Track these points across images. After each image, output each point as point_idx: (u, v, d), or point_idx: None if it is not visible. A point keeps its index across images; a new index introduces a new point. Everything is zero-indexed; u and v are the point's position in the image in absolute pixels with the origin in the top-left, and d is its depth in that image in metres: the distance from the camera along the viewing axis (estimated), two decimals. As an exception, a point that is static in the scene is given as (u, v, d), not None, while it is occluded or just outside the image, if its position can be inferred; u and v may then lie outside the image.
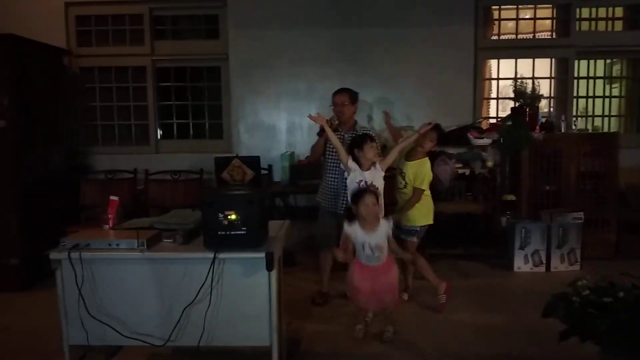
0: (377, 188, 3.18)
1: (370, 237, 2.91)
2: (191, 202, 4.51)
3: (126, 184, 4.95)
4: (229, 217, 2.20)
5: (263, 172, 4.80)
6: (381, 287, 2.96)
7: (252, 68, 5.07)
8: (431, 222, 3.61)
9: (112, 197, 2.62)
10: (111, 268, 2.31)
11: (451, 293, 3.54)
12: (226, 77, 5.18)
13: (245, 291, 2.31)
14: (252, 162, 2.68)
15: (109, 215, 2.57)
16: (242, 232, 2.22)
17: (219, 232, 2.21)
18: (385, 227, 2.94)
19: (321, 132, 3.54)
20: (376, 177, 3.24)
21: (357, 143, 3.29)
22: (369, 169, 3.24)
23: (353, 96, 3.64)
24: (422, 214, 3.57)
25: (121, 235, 2.38)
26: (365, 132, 3.64)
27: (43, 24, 4.93)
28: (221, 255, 2.23)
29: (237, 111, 5.14)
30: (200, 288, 2.24)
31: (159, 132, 5.36)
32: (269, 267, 2.23)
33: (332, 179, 3.59)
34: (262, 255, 2.22)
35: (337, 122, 3.60)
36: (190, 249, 2.33)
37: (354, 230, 2.94)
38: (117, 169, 5.06)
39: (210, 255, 2.21)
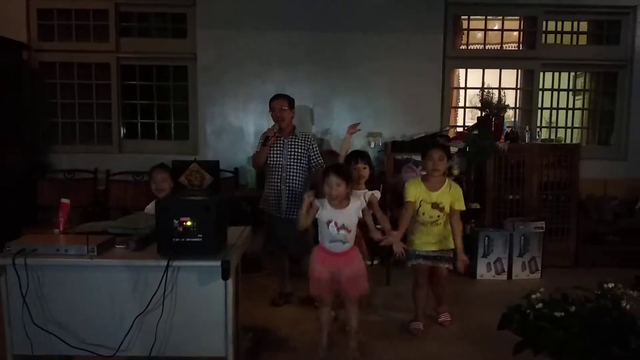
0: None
1: (338, 215, 2.71)
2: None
3: (86, 184, 4.81)
4: (184, 223, 2.14)
5: (228, 175, 4.74)
6: (343, 278, 2.72)
7: (221, 69, 4.99)
8: None
9: (64, 200, 2.51)
10: (59, 275, 2.21)
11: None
12: (193, 77, 5.09)
13: (201, 300, 2.24)
14: (211, 166, 2.62)
15: (60, 219, 2.46)
16: (198, 239, 2.15)
17: (174, 239, 2.14)
18: (356, 205, 2.75)
19: (265, 142, 3.59)
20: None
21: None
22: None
23: (291, 102, 3.71)
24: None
25: (70, 240, 2.28)
26: (306, 137, 3.72)
27: (2, 17, 4.74)
28: (175, 263, 2.15)
29: (204, 112, 5.05)
30: (153, 297, 2.16)
31: (122, 132, 5.22)
32: (225, 276, 2.17)
33: (274, 185, 3.62)
34: (218, 263, 2.15)
35: (277, 128, 3.62)
36: (143, 255, 2.25)
37: (321, 205, 2.73)
38: (78, 169, 4.90)
39: (164, 262, 2.14)
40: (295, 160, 3.62)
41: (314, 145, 3.71)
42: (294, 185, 3.59)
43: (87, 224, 2.68)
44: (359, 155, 3.36)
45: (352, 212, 2.75)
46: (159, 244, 2.18)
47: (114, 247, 2.31)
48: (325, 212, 2.74)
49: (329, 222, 2.72)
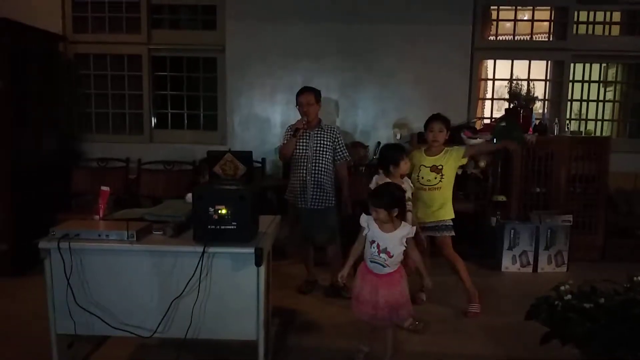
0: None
1: (383, 237, 2.60)
2: (184, 193, 4.49)
3: (118, 172, 4.95)
4: (219, 211, 2.21)
5: (256, 165, 4.82)
6: (381, 300, 2.59)
7: (249, 60, 5.06)
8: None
9: (103, 188, 2.61)
10: (100, 259, 2.31)
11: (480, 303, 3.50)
12: (222, 68, 5.16)
13: (234, 285, 2.32)
14: (245, 157, 2.69)
15: (100, 206, 2.57)
16: (232, 227, 2.23)
17: (209, 227, 2.22)
18: (403, 232, 2.61)
19: (295, 133, 3.64)
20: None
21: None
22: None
23: (317, 95, 3.75)
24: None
25: (111, 226, 2.39)
26: (332, 130, 3.76)
27: (39, 9, 4.89)
28: (210, 250, 2.24)
29: (232, 103, 5.13)
30: (189, 281, 2.25)
31: (154, 122, 5.35)
32: (258, 263, 2.24)
33: (300, 176, 3.68)
34: (252, 250, 2.23)
35: (305, 121, 3.66)
36: (180, 241, 2.34)
37: (367, 222, 2.65)
38: (110, 157, 5.05)
39: (200, 249, 2.22)
40: (321, 153, 3.68)
41: (339, 138, 3.76)
42: (319, 176, 3.65)
43: (123, 210, 2.77)
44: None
45: (397, 238, 2.60)
46: (195, 230, 2.27)
47: (151, 233, 2.40)
48: (372, 231, 2.63)
49: (372, 242, 2.63)
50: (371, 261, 2.64)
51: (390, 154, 3.26)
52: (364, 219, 2.66)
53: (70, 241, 2.25)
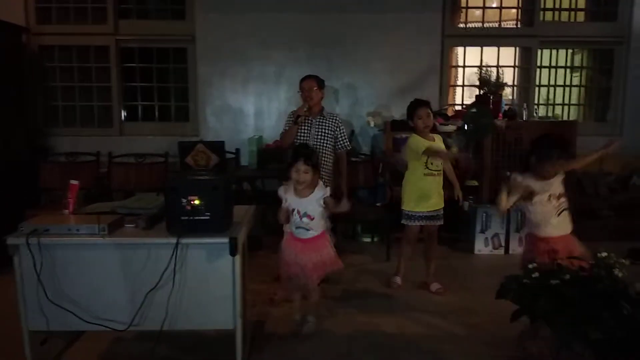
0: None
1: (301, 203, 2.78)
2: (156, 185, 4.46)
3: (89, 166, 4.86)
4: (192, 202, 2.20)
5: (230, 156, 4.79)
6: (308, 264, 2.80)
7: (220, 50, 5.00)
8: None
9: (72, 182, 2.56)
10: (71, 253, 2.27)
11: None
12: (193, 59, 5.09)
13: (209, 276, 2.32)
14: (217, 147, 2.67)
15: (69, 200, 2.52)
16: (206, 218, 2.22)
17: (182, 218, 2.21)
18: (318, 194, 2.78)
19: (297, 120, 3.63)
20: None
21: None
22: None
23: (320, 82, 3.75)
24: None
25: (81, 220, 2.35)
26: (334, 119, 3.77)
27: (1, 0, 4.73)
28: (184, 241, 2.23)
29: (204, 94, 5.07)
30: (163, 273, 2.23)
31: (123, 114, 5.25)
32: (233, 253, 2.24)
33: None
34: (226, 240, 2.23)
35: (307, 107, 3.67)
36: (153, 234, 2.32)
37: (284, 194, 2.81)
38: (79, 152, 4.94)
39: (173, 240, 2.21)
40: (322, 140, 3.69)
41: (341, 127, 3.79)
42: (321, 164, 3.62)
43: (94, 204, 2.73)
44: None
45: (314, 201, 2.78)
46: (168, 222, 2.25)
47: (123, 227, 2.38)
48: (290, 200, 2.80)
49: (292, 210, 2.82)
50: (296, 227, 2.83)
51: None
52: (281, 191, 2.83)
53: (40, 237, 2.21)
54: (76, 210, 2.55)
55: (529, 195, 2.72)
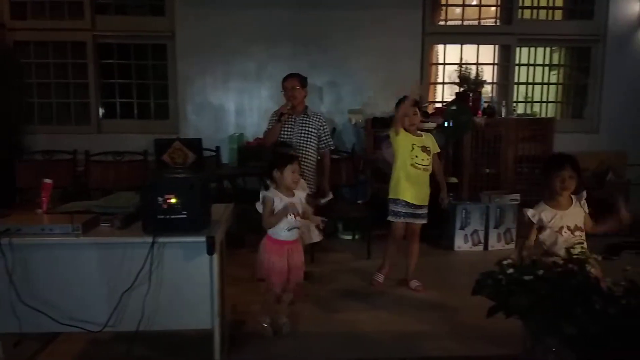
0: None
1: (293, 203, 2.75)
2: (135, 184, 4.36)
3: (65, 165, 4.77)
4: (168, 200, 2.18)
5: (210, 153, 4.76)
6: (298, 262, 2.83)
7: (200, 47, 4.96)
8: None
9: (46, 180, 2.52)
10: (45, 254, 2.23)
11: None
12: (172, 55, 5.04)
13: (187, 275, 2.30)
14: (194, 144, 2.65)
15: (43, 199, 2.48)
16: (183, 216, 2.20)
17: (158, 216, 2.18)
18: (302, 194, 2.82)
19: (280, 118, 3.63)
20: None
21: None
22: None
23: (303, 81, 3.74)
24: None
25: (55, 220, 2.31)
26: (318, 118, 3.77)
27: (-29, -6, 4.62)
28: (160, 240, 2.20)
29: (184, 91, 5.02)
30: (139, 273, 2.21)
31: (101, 112, 5.17)
32: (210, 251, 2.22)
33: None
34: (203, 239, 2.21)
35: (289, 106, 3.66)
36: (128, 233, 2.28)
37: (273, 194, 2.71)
38: (56, 150, 4.86)
39: (149, 239, 2.18)
40: (306, 139, 3.69)
41: (325, 126, 3.79)
42: (304, 163, 3.59)
43: (69, 204, 2.69)
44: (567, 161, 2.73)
45: (299, 199, 2.80)
46: (144, 221, 2.22)
47: (98, 226, 2.34)
48: (281, 202, 2.72)
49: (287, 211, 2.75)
50: (289, 229, 2.76)
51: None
52: (270, 193, 2.72)
53: (11, 237, 2.16)
54: (50, 210, 2.51)
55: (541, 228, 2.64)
